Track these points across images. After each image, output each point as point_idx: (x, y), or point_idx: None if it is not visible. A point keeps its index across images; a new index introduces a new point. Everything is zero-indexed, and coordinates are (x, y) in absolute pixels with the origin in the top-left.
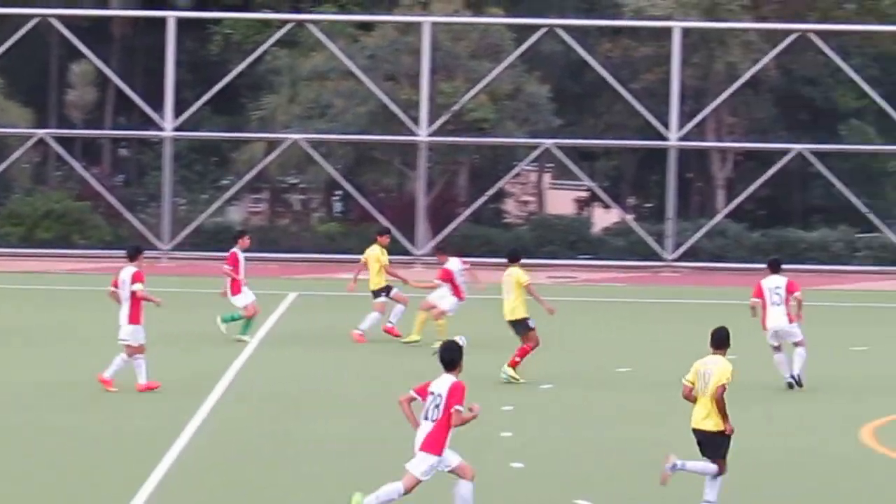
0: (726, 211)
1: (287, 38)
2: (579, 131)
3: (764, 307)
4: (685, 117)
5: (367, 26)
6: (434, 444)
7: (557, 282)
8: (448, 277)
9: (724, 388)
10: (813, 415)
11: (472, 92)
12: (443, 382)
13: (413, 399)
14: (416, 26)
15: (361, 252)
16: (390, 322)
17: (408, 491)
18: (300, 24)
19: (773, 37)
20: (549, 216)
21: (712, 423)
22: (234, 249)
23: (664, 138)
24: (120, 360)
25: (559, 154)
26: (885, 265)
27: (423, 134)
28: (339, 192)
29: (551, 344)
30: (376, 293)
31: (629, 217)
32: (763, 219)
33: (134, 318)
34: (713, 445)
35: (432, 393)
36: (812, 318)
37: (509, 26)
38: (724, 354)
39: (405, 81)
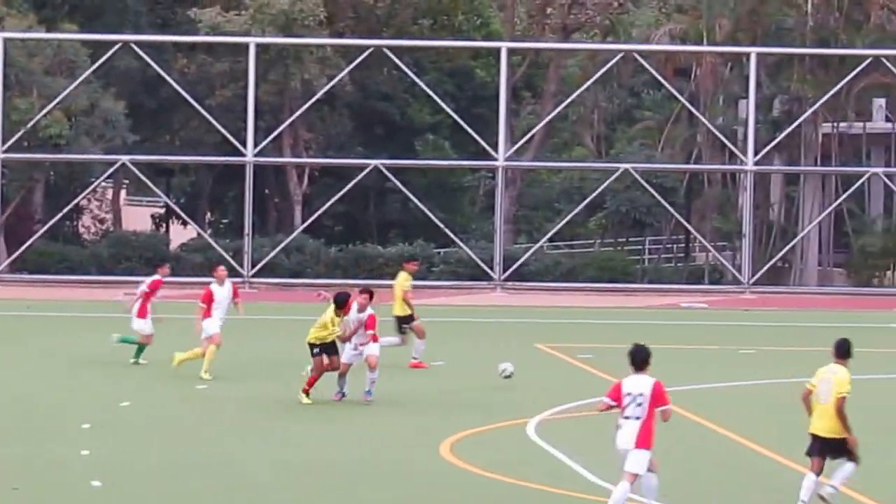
0: (303, 227)
1: None
2: (155, 147)
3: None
4: (262, 133)
5: None
6: (645, 440)
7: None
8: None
9: (843, 399)
10: (394, 429)
11: (47, 108)
12: (641, 383)
13: (611, 406)
14: None
15: None
16: (415, 357)
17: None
18: None
19: (348, 52)
20: (126, 232)
21: (833, 431)
22: None
23: (241, 154)
24: None
25: (135, 170)
26: (462, 280)
27: None
28: None
29: (127, 362)
30: (400, 321)
31: (206, 233)
32: (341, 234)
33: None
34: (839, 450)
35: (630, 394)
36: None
37: (84, 42)
38: (845, 364)
39: None
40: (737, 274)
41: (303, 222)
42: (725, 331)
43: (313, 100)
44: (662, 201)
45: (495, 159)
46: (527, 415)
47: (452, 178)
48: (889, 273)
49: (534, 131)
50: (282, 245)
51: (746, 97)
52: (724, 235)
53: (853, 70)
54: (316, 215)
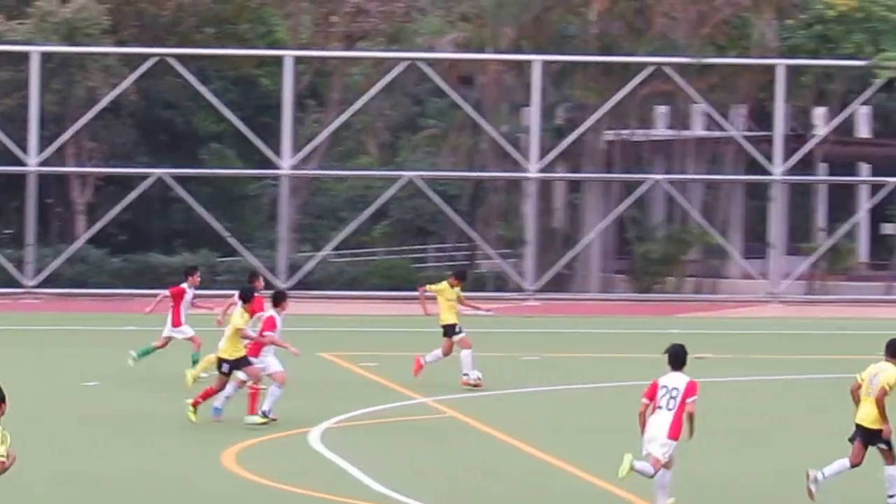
0: (87, 236)
1: None
2: None
3: None
4: (45, 142)
5: None
6: (675, 432)
7: None
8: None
9: (885, 391)
10: (175, 441)
11: None
12: (677, 379)
13: (648, 406)
14: None
15: None
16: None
17: (656, 472)
18: None
19: (132, 61)
20: None
21: (874, 421)
22: None
23: (23, 164)
24: None
25: None
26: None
27: None
28: None
29: None
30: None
31: None
32: (125, 244)
33: None
34: (873, 439)
35: (665, 387)
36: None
37: None
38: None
39: None
40: (520, 281)
41: (86, 231)
42: (509, 338)
43: (97, 109)
44: (446, 209)
45: (279, 168)
46: (310, 424)
47: (237, 186)
48: (670, 279)
49: (318, 140)
50: (65, 255)
51: (530, 105)
52: (508, 242)
53: (635, 78)
54: (99, 225)
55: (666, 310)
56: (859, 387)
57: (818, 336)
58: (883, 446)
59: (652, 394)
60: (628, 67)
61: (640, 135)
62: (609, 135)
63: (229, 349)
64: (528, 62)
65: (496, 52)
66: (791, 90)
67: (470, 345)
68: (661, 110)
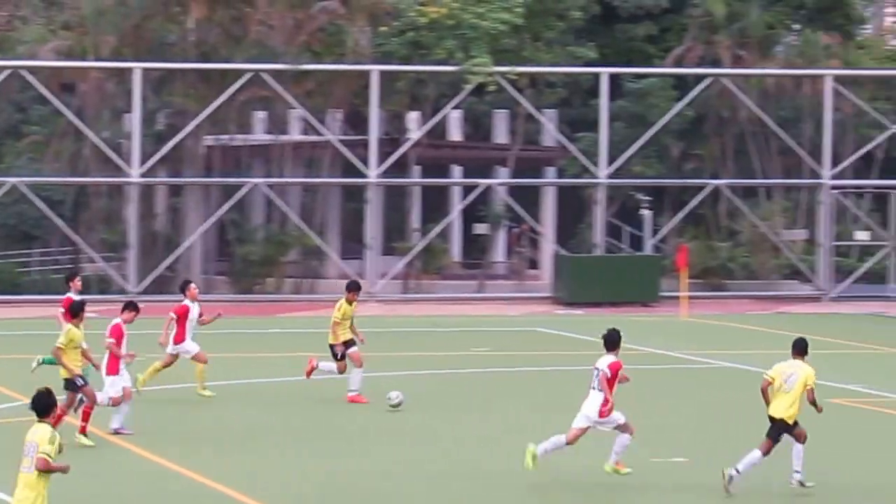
0: None
1: None
2: None
3: None
4: None
5: None
6: (604, 411)
7: None
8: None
9: (811, 389)
10: None
11: None
12: (604, 360)
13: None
14: None
15: None
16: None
17: (570, 442)
18: None
19: None
20: None
21: (790, 414)
22: None
23: None
24: None
25: None
26: None
27: None
28: None
29: None
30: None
31: None
32: None
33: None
34: (788, 429)
35: (597, 368)
36: None
37: None
38: (803, 359)
39: None
40: (124, 283)
41: None
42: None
43: None
44: (50, 214)
45: None
46: None
47: None
48: (270, 280)
49: None
50: None
51: (131, 111)
52: (112, 246)
53: (234, 84)
54: None
55: (266, 310)
56: (769, 384)
57: (414, 333)
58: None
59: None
60: (226, 74)
61: (239, 139)
62: (209, 140)
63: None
64: (129, 69)
65: (97, 59)
66: (385, 95)
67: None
68: (260, 115)
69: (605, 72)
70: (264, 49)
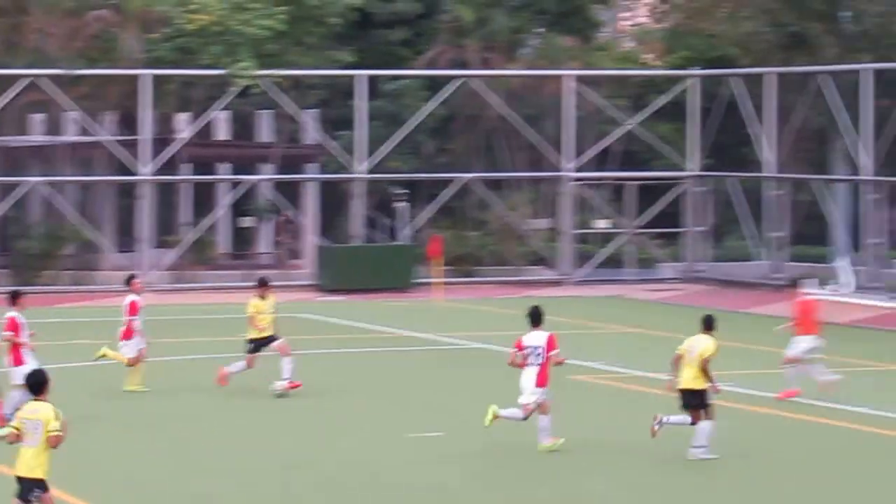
0: None
1: None
2: None
3: None
4: None
5: None
6: (542, 381)
7: None
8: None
9: (707, 360)
10: None
11: None
12: (538, 337)
13: (517, 353)
14: None
15: None
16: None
17: (526, 417)
18: None
19: None
20: None
21: (698, 384)
22: None
23: None
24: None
25: None
26: None
27: None
28: None
29: None
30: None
31: None
32: None
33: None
34: (695, 399)
35: (529, 346)
36: None
37: None
38: (710, 335)
39: None
40: None
41: None
42: None
43: None
44: None
45: None
46: None
47: None
48: (49, 272)
49: None
50: None
51: None
52: None
53: (11, 89)
54: None
55: (46, 301)
56: (680, 357)
57: (186, 321)
58: (700, 408)
59: (519, 346)
60: (5, 80)
61: (18, 141)
62: None
63: None
64: None
65: None
66: (156, 97)
67: (289, 351)
68: (38, 118)
69: (362, 74)
70: (41, 55)
